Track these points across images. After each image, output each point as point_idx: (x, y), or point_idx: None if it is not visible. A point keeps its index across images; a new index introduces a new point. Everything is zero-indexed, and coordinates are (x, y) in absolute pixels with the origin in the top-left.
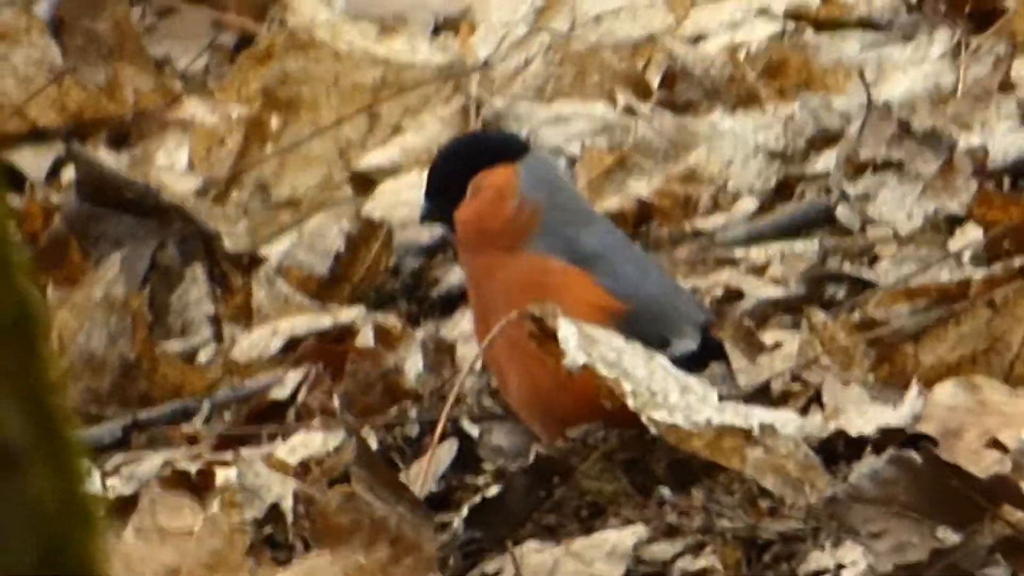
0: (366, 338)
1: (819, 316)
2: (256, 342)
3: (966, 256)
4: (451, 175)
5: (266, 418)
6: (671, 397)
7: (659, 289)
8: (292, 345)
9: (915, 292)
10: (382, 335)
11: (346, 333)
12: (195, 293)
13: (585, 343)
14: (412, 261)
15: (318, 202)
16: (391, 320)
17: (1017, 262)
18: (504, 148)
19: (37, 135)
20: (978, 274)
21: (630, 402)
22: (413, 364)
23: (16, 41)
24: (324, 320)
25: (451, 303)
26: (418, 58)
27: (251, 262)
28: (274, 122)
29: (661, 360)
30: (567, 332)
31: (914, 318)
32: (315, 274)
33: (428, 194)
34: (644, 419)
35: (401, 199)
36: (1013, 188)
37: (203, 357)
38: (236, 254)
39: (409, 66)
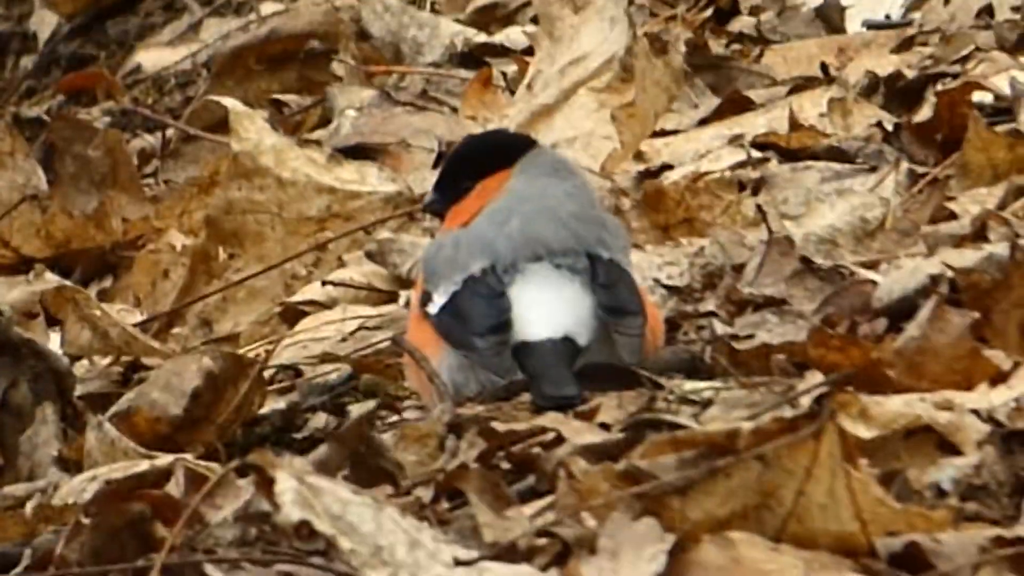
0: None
1: (580, 465)
2: (75, 488)
3: (804, 402)
4: (455, 176)
5: None
6: (398, 552)
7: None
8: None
9: (681, 442)
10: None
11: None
12: (44, 434)
13: (308, 494)
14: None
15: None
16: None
17: (787, 412)
18: (503, 154)
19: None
20: (747, 425)
21: (352, 559)
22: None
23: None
24: (142, 465)
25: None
26: (365, 187)
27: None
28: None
29: (391, 512)
30: (284, 485)
31: (681, 470)
32: (168, 415)
33: (435, 188)
34: None
35: (319, 335)
36: (891, 329)
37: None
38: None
39: (356, 195)
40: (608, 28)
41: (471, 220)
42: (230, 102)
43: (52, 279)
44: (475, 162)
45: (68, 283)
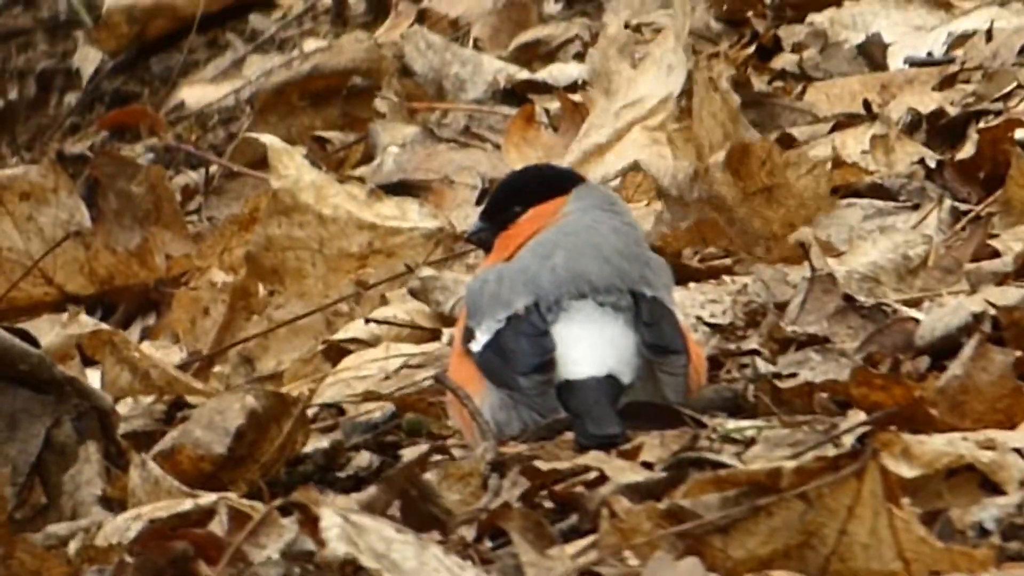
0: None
1: (623, 503)
2: (119, 527)
3: (847, 440)
4: (505, 204)
5: None
6: None
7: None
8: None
9: (724, 481)
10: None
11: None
12: (87, 473)
13: (352, 532)
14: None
15: (300, 375)
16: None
17: (830, 451)
18: (555, 183)
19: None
20: (789, 464)
21: None
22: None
23: (43, 201)
24: (185, 504)
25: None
26: (406, 224)
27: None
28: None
29: (434, 550)
30: (330, 522)
31: (723, 509)
32: (212, 453)
33: (482, 217)
34: None
35: (362, 373)
36: (934, 367)
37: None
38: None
39: (397, 231)
40: (665, 75)
41: (523, 245)
42: (269, 138)
43: (88, 322)
44: (527, 190)
45: (104, 326)
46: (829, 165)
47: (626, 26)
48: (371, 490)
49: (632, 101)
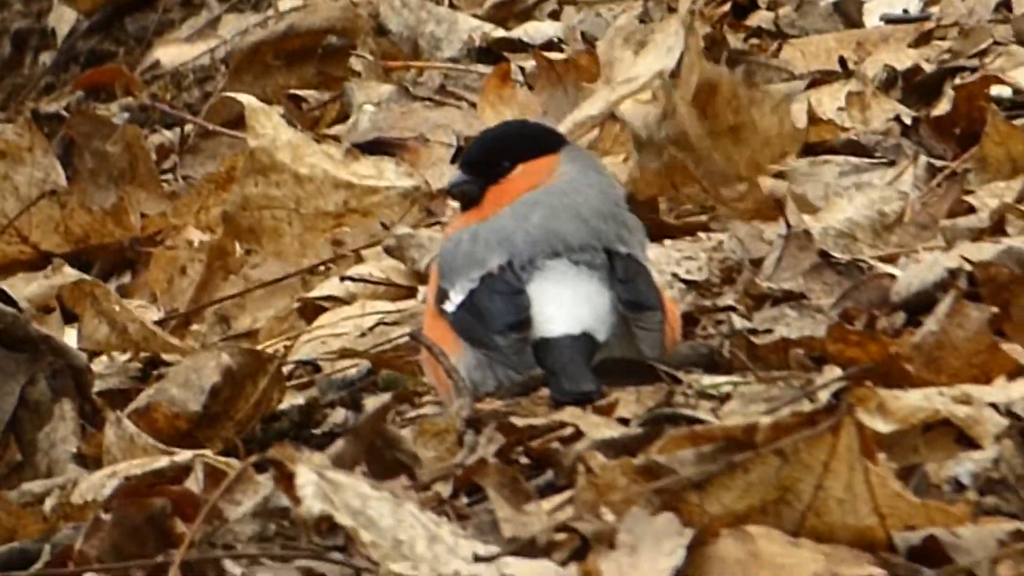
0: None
1: (598, 459)
2: (95, 484)
3: (823, 396)
4: (492, 157)
5: None
6: (417, 547)
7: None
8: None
9: (699, 436)
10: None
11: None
12: (62, 431)
13: (328, 489)
14: (331, 396)
15: (276, 332)
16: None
17: (805, 407)
18: (544, 140)
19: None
20: (765, 419)
21: (372, 553)
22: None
23: (19, 160)
24: (161, 461)
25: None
26: (382, 183)
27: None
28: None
29: (410, 507)
30: (305, 479)
31: (699, 465)
32: (187, 411)
33: (464, 169)
34: (383, 572)
35: (338, 330)
36: (909, 323)
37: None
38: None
39: (373, 190)
40: (664, 55)
41: (514, 200)
42: (246, 98)
43: (71, 273)
44: (516, 144)
45: (87, 277)
46: (797, 107)
47: None
48: (339, 443)
49: (629, 78)
